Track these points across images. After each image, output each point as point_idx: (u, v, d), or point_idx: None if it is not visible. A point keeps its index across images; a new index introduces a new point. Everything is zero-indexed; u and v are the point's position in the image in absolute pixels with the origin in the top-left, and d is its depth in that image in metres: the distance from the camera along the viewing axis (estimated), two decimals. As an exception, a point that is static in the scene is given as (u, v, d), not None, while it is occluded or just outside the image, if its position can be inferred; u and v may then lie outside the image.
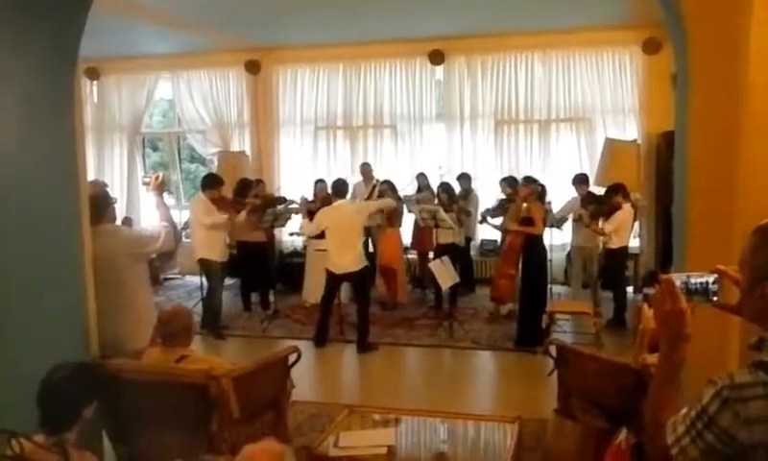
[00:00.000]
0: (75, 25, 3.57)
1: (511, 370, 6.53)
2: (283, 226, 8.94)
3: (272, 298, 8.51)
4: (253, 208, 7.85)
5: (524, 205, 7.07)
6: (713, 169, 2.91)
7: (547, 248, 7.33)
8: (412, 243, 9.29)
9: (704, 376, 1.59)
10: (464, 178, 9.11)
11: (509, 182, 8.22)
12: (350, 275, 7.04)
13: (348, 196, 7.90)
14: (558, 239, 8.24)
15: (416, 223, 8.93)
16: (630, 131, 9.29)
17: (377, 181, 9.09)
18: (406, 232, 9.18)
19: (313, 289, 8.57)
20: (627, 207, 7.48)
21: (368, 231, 8.58)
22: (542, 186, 7.50)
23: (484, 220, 8.39)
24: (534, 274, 7.00)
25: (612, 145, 8.83)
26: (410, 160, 10.05)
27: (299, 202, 8.41)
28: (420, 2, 7.77)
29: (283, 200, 8.83)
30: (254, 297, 8.66)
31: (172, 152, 11.63)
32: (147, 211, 10.48)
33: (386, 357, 6.92)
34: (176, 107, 11.34)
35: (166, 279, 10.40)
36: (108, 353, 3.80)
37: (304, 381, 5.42)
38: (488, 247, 9.74)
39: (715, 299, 1.67)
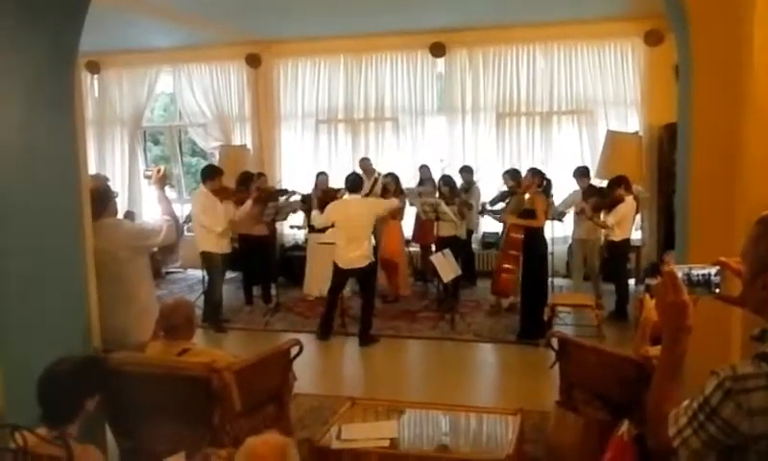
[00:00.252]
0: (75, 19, 3.56)
1: (512, 362, 6.54)
2: (285, 219, 8.94)
3: (273, 291, 8.51)
4: (257, 199, 7.84)
5: (526, 196, 7.06)
6: (716, 161, 2.90)
7: (548, 241, 7.32)
8: (414, 236, 9.30)
9: (706, 368, 1.58)
10: (465, 170, 9.10)
11: (511, 175, 8.21)
12: (356, 271, 7.02)
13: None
14: (559, 232, 8.23)
15: (417, 216, 8.93)
16: (632, 123, 9.27)
17: (379, 174, 9.08)
18: (408, 225, 9.18)
19: (315, 283, 8.59)
20: (629, 200, 7.47)
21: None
22: (548, 181, 7.48)
23: (484, 210, 8.38)
24: (535, 266, 7.00)
25: (613, 137, 8.81)
26: (411, 153, 10.04)
27: (299, 195, 8.41)
28: (421, -6, 7.77)
29: (284, 192, 8.82)
30: (256, 290, 8.67)
31: (173, 146, 11.63)
32: (148, 205, 10.48)
33: (388, 350, 6.93)
34: (177, 100, 11.34)
35: (168, 273, 10.42)
36: (110, 347, 3.81)
37: (306, 374, 5.43)
38: (489, 240, 9.74)
39: (717, 291, 1.67)
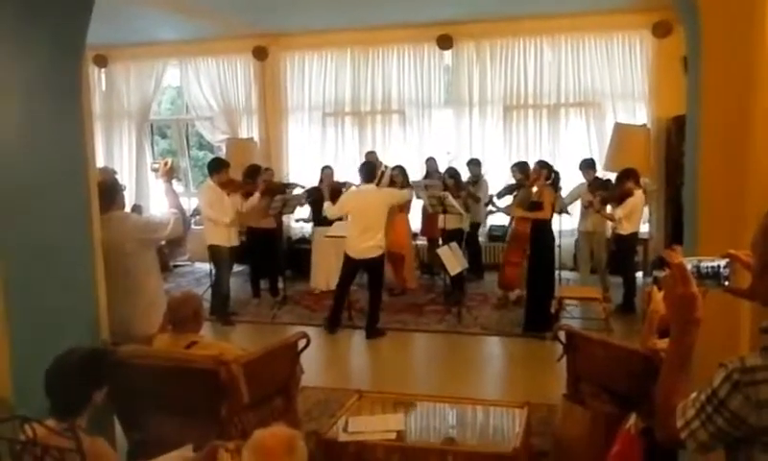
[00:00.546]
0: (83, 12, 3.57)
1: (519, 355, 6.54)
2: (291, 212, 8.95)
3: (281, 284, 8.52)
4: (265, 191, 7.85)
5: (534, 189, 7.04)
6: (725, 153, 2.88)
7: (556, 233, 7.30)
8: (421, 229, 9.30)
9: (714, 361, 1.58)
10: (473, 163, 9.08)
11: (520, 168, 8.17)
12: (368, 261, 6.97)
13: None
14: (567, 225, 8.21)
15: (424, 209, 8.92)
16: (640, 115, 9.22)
17: (386, 167, 9.07)
18: (415, 218, 9.17)
19: (322, 276, 8.60)
20: (638, 194, 7.44)
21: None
22: (556, 173, 7.45)
23: (491, 203, 8.36)
24: (542, 259, 6.97)
25: (621, 130, 8.76)
26: (418, 146, 10.02)
27: (304, 188, 8.40)
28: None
29: (289, 185, 8.83)
30: (264, 283, 8.68)
31: (180, 139, 11.64)
32: (156, 198, 10.51)
33: (395, 343, 6.94)
34: (184, 94, 11.34)
35: (176, 266, 10.44)
36: (118, 340, 3.83)
37: (313, 367, 5.45)
38: (496, 233, 9.72)
39: (727, 283, 1.66)
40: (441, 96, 10.07)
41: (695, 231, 3.00)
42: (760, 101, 2.76)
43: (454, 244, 7.53)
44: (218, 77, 10.68)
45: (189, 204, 10.01)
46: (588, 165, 8.15)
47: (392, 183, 8.44)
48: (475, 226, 9.15)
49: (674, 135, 8.47)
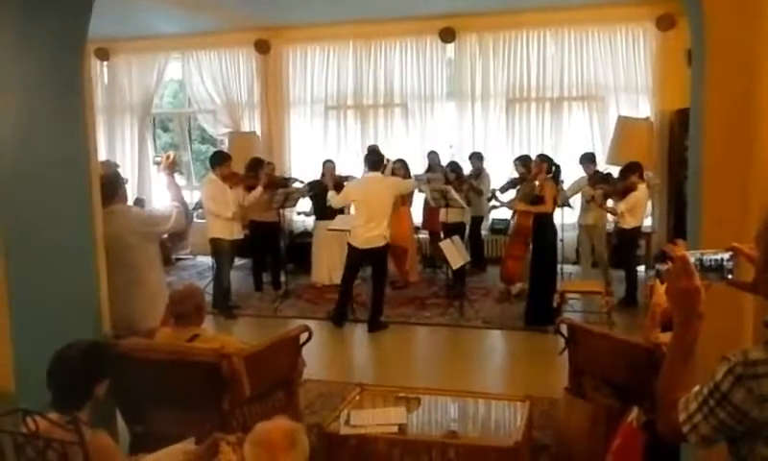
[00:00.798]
0: (84, 5, 3.56)
1: (521, 349, 6.54)
2: (294, 206, 8.95)
3: (283, 277, 8.53)
4: (268, 185, 7.84)
5: (536, 182, 7.03)
6: (729, 146, 2.86)
7: (558, 227, 7.28)
8: (422, 222, 9.29)
9: (717, 355, 1.57)
10: (475, 157, 9.07)
11: (522, 162, 8.15)
12: (373, 250, 6.86)
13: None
14: (569, 218, 8.20)
15: (426, 202, 8.91)
16: (643, 108, 9.18)
17: (388, 160, 9.05)
18: (417, 212, 9.16)
19: (325, 270, 8.60)
20: (642, 188, 7.41)
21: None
22: (557, 166, 7.44)
23: (494, 197, 8.36)
24: (544, 253, 6.97)
25: (624, 123, 8.73)
26: (420, 140, 10.00)
27: (301, 183, 8.40)
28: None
29: (289, 179, 8.83)
30: (266, 277, 8.69)
31: (182, 132, 11.65)
32: (158, 192, 10.51)
33: (397, 336, 6.94)
34: (186, 87, 11.34)
35: (178, 260, 10.45)
36: (120, 333, 3.83)
37: (316, 360, 5.45)
38: (499, 226, 9.71)
39: (730, 276, 1.65)
40: (443, 89, 10.04)
41: (698, 225, 2.99)
42: (765, 94, 2.75)
43: (456, 237, 7.52)
44: (220, 70, 10.66)
45: (191, 197, 10.01)
46: (587, 159, 8.13)
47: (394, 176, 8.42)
48: (478, 219, 9.15)
49: (677, 129, 8.43)
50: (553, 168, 7.28)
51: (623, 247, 7.71)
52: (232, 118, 10.69)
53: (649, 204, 8.24)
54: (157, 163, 4.56)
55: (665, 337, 3.00)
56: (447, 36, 9.68)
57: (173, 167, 4.44)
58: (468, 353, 6.45)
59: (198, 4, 8.47)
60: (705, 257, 1.64)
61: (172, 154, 4.53)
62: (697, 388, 1.58)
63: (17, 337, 3.10)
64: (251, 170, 8.08)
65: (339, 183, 7.88)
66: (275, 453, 2.08)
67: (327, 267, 8.58)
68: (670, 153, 8.90)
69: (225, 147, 10.21)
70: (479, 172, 8.94)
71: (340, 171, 8.91)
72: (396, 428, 3.67)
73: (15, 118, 3.19)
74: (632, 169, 7.43)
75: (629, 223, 7.39)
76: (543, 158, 7.26)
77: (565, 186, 7.88)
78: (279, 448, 2.08)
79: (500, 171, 9.28)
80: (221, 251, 7.57)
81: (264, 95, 10.57)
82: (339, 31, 9.93)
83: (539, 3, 8.83)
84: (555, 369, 4.86)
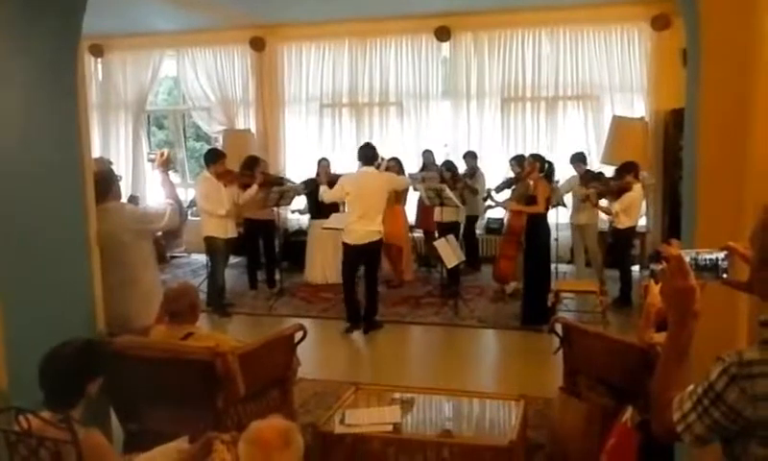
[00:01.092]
0: (79, 3, 3.54)
1: (516, 348, 6.54)
2: (288, 204, 8.93)
3: (277, 276, 8.51)
4: (263, 183, 7.82)
5: (530, 182, 7.03)
6: (724, 146, 2.86)
7: (552, 226, 7.29)
8: (416, 221, 9.28)
9: (712, 354, 1.58)
10: (470, 156, 9.07)
11: (518, 161, 8.15)
12: (367, 246, 6.72)
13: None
14: (564, 218, 8.21)
15: (420, 201, 8.90)
16: (638, 108, 9.20)
17: (382, 159, 9.03)
18: (410, 211, 9.15)
19: (319, 269, 8.59)
20: (637, 188, 7.42)
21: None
22: (550, 165, 7.45)
23: (489, 197, 8.36)
24: (538, 252, 6.97)
25: (619, 122, 8.75)
26: (416, 138, 10.00)
27: (294, 183, 8.39)
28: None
29: (283, 179, 8.83)
30: (260, 275, 8.67)
31: (177, 130, 11.62)
32: (152, 189, 10.48)
33: (392, 335, 6.93)
34: (180, 84, 11.30)
35: (172, 258, 10.43)
36: (114, 331, 3.82)
37: (310, 359, 5.45)
38: (494, 226, 9.72)
39: (725, 276, 1.66)
40: (438, 88, 10.04)
41: (693, 225, 2.99)
42: (760, 94, 2.75)
43: (451, 237, 7.52)
44: (215, 68, 10.63)
45: (186, 195, 9.99)
46: (578, 159, 8.16)
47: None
48: (473, 218, 9.15)
49: (672, 129, 8.46)
50: (546, 166, 7.28)
51: (618, 247, 7.72)
52: (227, 116, 10.67)
53: (644, 203, 8.27)
54: (152, 160, 4.53)
55: (660, 337, 3.00)
56: (443, 34, 9.68)
57: (167, 164, 4.42)
58: (462, 353, 6.45)
59: (193, 1, 8.44)
60: (700, 257, 1.65)
61: (166, 151, 4.51)
62: (691, 387, 1.58)
63: (10, 335, 3.09)
64: (246, 168, 8.05)
65: (333, 182, 7.84)
66: (269, 452, 2.07)
67: (322, 266, 8.57)
68: (665, 153, 8.92)
69: (219, 144, 10.18)
70: (474, 171, 8.95)
71: (335, 169, 8.89)
72: (390, 427, 3.66)
73: (7, 115, 3.17)
74: (628, 169, 7.44)
75: (623, 223, 7.40)
76: (536, 158, 7.28)
77: (559, 185, 7.89)
78: (274, 447, 2.08)
79: (495, 170, 9.29)
80: (215, 249, 7.55)
81: (259, 93, 10.55)
82: (334, 29, 9.92)
83: (534, 2, 8.84)
84: (550, 368, 4.87)
